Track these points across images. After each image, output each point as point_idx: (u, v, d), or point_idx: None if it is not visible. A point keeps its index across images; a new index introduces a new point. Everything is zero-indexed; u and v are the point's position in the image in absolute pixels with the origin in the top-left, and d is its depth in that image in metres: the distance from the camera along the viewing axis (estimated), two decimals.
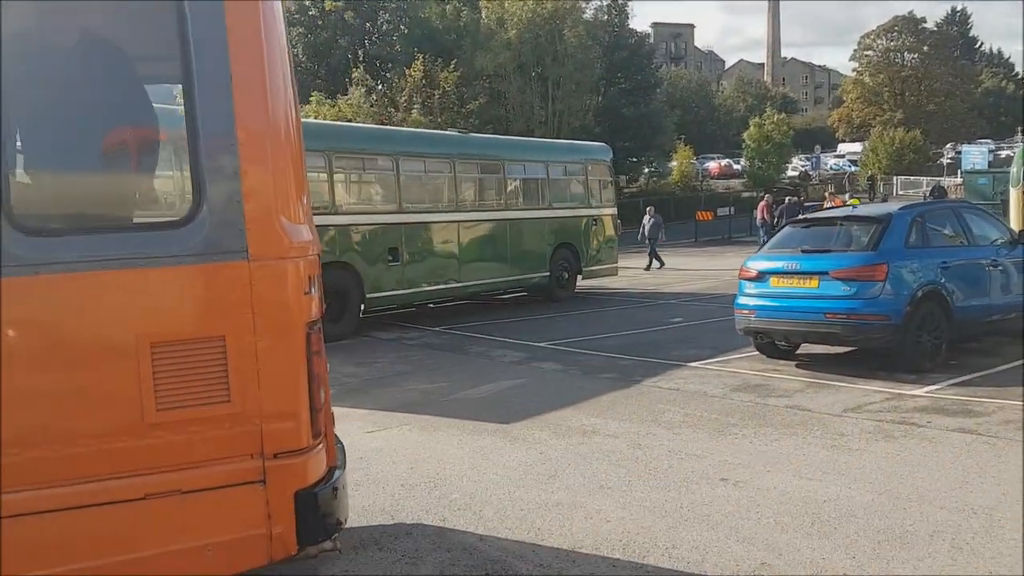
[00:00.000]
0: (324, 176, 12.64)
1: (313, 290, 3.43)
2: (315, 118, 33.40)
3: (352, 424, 7.69)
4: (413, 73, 36.82)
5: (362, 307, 13.27)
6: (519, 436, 7.11)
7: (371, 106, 35.91)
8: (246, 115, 3.20)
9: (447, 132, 18.77)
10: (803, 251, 9.32)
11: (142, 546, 3.10)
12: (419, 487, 5.89)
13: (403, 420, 7.79)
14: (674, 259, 27.87)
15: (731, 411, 7.75)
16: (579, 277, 18.07)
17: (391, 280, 13.57)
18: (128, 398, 3.05)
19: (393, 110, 36.36)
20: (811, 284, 9.01)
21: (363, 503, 5.59)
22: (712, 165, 64.25)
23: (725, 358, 10.47)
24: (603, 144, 20.21)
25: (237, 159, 3.18)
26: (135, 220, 3.25)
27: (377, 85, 38.67)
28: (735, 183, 57.52)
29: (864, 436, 6.75)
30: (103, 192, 3.30)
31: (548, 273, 16.97)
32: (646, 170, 53.83)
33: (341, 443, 4.50)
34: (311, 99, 35.33)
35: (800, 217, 11.90)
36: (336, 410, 8.21)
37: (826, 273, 8.90)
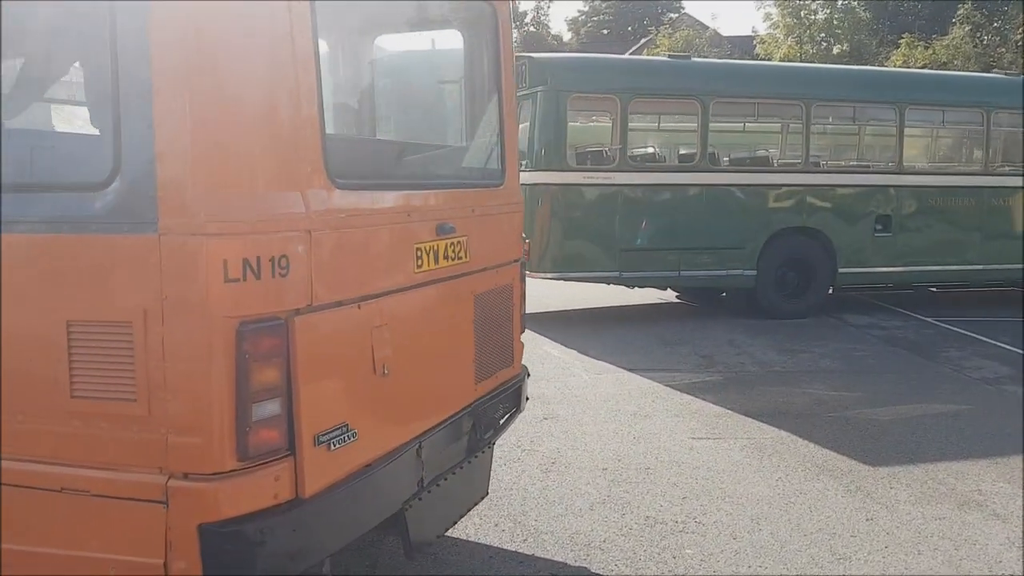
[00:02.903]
0: (799, 127, 11.00)
1: (259, 276, 2.66)
2: (902, 63, 30.04)
3: (689, 424, 6.55)
4: None
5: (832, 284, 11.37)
6: (865, 488, 5.24)
7: (974, 47, 30.95)
8: (165, 53, 2.57)
9: (988, 75, 15.01)
10: None
11: (53, 541, 2.79)
12: (655, 528, 4.66)
13: (749, 432, 6.36)
14: None
15: None
16: None
17: (876, 254, 11.24)
18: (49, 378, 2.73)
19: (1003, 50, 30.87)
20: None
21: (559, 528, 4.63)
22: None
23: None
24: None
25: (151, 109, 2.58)
26: (61, 179, 2.87)
27: (990, 23, 33.04)
28: None
29: None
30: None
31: None
32: None
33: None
34: (900, 41, 31.76)
35: None
36: (693, 403, 7.14)
37: None
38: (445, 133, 4.43)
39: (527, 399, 4.68)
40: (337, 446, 2.96)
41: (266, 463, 2.71)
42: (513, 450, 5.82)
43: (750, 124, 11.66)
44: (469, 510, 4.10)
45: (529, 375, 4.72)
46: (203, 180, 2.60)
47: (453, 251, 3.74)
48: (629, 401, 7.13)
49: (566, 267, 10.31)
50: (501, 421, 4.35)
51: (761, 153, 11.38)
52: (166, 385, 2.63)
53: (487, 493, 4.21)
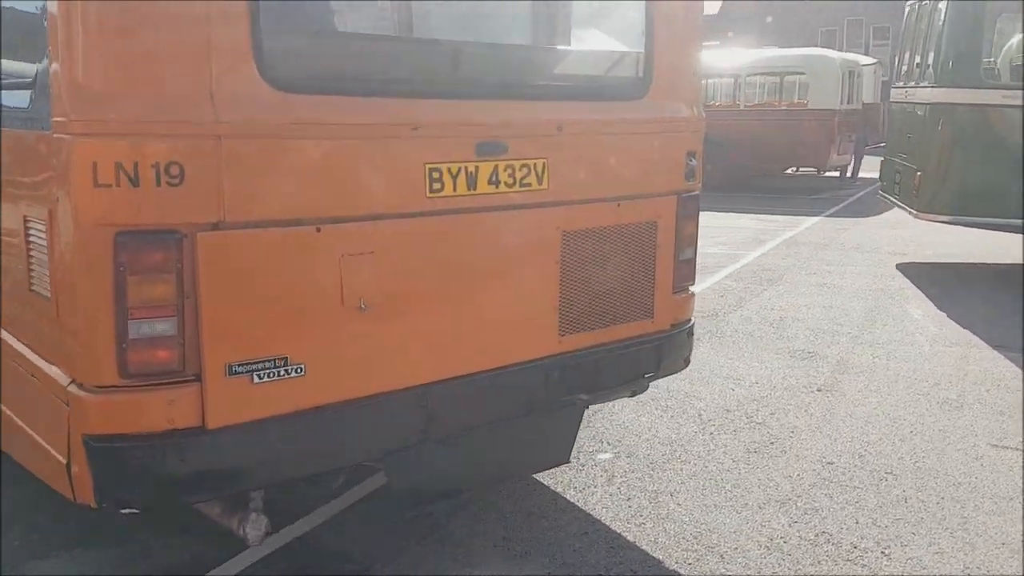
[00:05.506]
0: None
1: (137, 183, 2.44)
2: None
3: (1006, 425, 4.86)
4: None
5: None
6: None
7: None
8: None
9: None
10: None
11: (28, 420, 3.00)
12: (819, 548, 3.53)
13: None
14: None
15: None
16: None
17: None
18: (18, 268, 2.92)
19: None
20: None
21: (696, 520, 3.73)
22: None
23: None
24: None
25: (44, 5, 2.52)
26: (20, 76, 2.87)
27: None
28: None
29: None
30: None
31: None
32: None
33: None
34: None
35: None
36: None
37: None
38: (534, 31, 3.70)
39: (686, 361, 3.85)
40: (265, 379, 2.69)
41: (156, 385, 2.56)
42: (738, 420, 4.88)
43: None
44: (526, 475, 3.51)
45: (692, 334, 3.84)
46: (77, 76, 2.47)
47: (511, 176, 3.12)
48: (953, 386, 5.50)
49: (968, 209, 8.27)
50: (624, 383, 3.65)
51: None
52: (62, 289, 2.63)
53: (567, 460, 3.52)
